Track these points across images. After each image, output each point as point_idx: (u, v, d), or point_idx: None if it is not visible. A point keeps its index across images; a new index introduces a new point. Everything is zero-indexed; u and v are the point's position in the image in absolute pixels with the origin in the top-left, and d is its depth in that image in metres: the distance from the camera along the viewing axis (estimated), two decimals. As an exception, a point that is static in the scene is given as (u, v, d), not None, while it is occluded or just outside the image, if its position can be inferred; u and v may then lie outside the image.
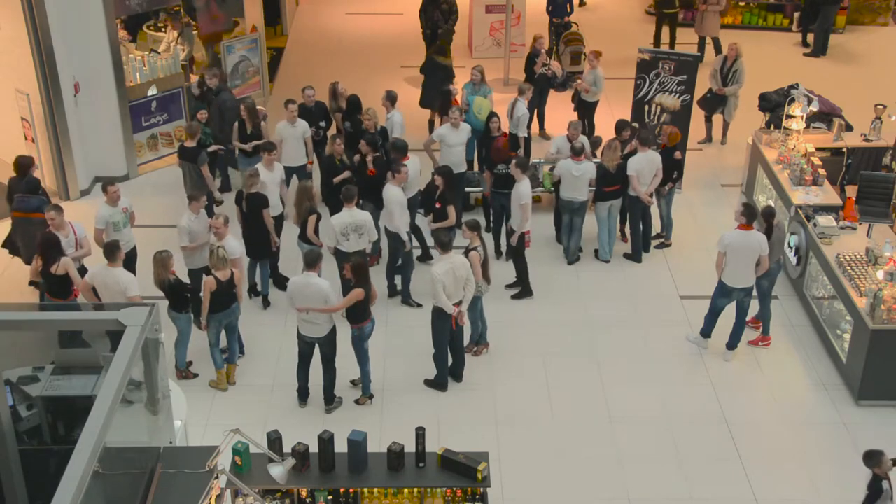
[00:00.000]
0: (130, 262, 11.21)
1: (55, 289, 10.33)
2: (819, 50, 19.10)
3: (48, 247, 10.27)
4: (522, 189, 11.59)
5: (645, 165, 12.37)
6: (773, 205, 12.05)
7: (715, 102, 15.39)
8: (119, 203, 11.15)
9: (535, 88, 15.06)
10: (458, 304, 10.19)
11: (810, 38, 19.40)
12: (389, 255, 12.08)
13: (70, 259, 10.29)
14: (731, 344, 11.12)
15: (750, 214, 10.60)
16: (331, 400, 10.28)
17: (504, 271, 12.34)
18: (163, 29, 16.56)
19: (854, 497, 9.16)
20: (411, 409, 10.35)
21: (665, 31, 18.76)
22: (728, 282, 10.74)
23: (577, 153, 12.25)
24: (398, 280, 12.12)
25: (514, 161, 11.78)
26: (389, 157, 12.46)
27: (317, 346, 10.06)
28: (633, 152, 12.97)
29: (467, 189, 13.56)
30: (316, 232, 11.41)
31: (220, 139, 13.49)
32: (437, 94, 14.92)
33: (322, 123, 13.61)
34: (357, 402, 10.44)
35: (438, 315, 10.21)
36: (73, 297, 10.29)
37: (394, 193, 11.55)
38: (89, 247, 10.98)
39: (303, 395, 10.38)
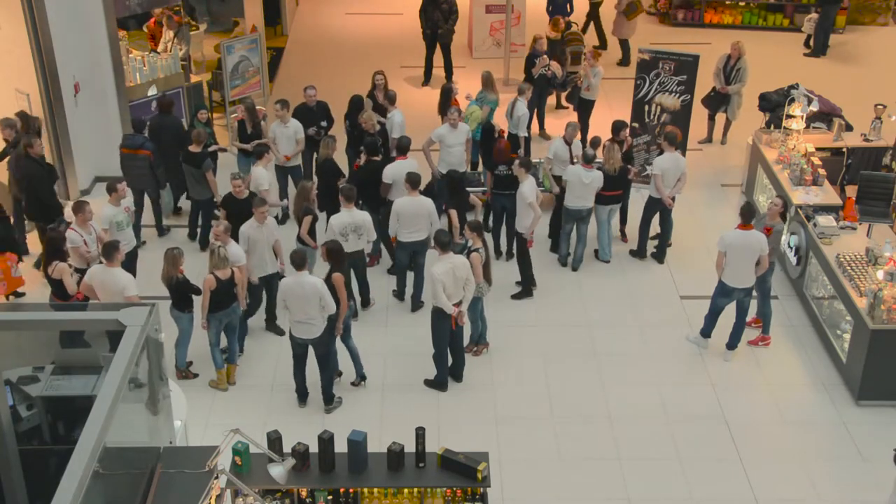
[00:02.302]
0: (131, 262, 11.23)
1: (57, 290, 10.34)
2: (819, 50, 19.10)
3: (51, 248, 10.30)
4: (526, 189, 11.58)
5: (671, 166, 12.28)
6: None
7: (718, 101, 15.40)
8: (122, 203, 11.20)
9: (535, 89, 15.07)
10: (458, 304, 10.19)
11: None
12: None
13: (66, 266, 10.29)
14: (732, 344, 11.12)
15: (748, 214, 10.60)
16: (330, 400, 10.28)
17: (505, 272, 12.34)
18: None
19: (854, 497, 9.19)
20: (411, 409, 10.35)
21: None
22: (728, 281, 10.74)
23: (588, 160, 12.09)
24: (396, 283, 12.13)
25: (517, 161, 11.75)
26: (388, 158, 12.46)
27: (310, 347, 10.07)
28: (629, 152, 12.97)
29: (467, 189, 13.53)
30: (311, 233, 11.40)
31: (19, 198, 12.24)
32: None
33: (323, 123, 13.59)
34: (353, 384, 10.51)
35: (438, 315, 10.21)
36: (74, 298, 10.30)
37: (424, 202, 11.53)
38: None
39: (302, 395, 10.38)
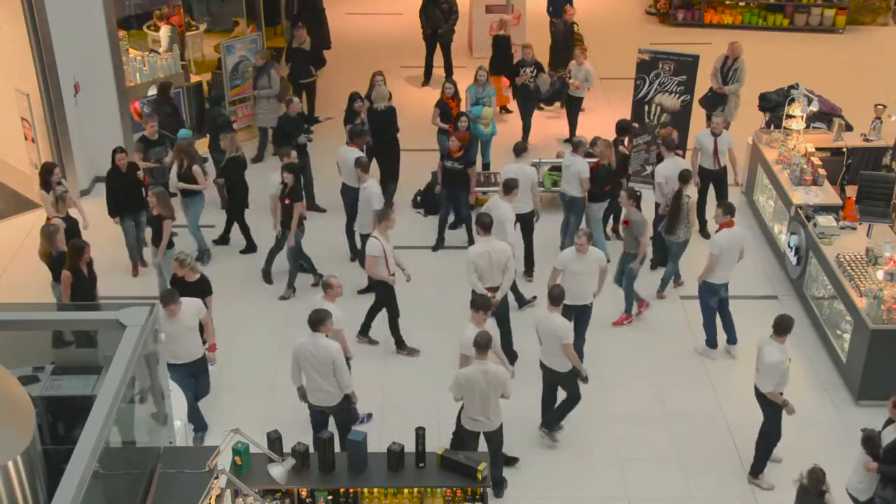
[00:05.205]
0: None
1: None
2: None
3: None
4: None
5: (673, 171, 12.19)
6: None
7: (715, 101, 15.37)
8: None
9: (519, 98, 15.19)
10: (495, 290, 10.33)
11: None
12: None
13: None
14: (732, 339, 11.17)
15: (730, 210, 10.79)
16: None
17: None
18: (158, 29, 16.50)
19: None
20: (411, 409, 10.34)
21: None
22: (717, 280, 10.86)
23: (574, 147, 12.41)
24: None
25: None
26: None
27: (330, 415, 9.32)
28: (626, 158, 12.99)
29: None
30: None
31: None
32: None
33: (307, 126, 13.53)
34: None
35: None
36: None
37: (505, 210, 11.24)
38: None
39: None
